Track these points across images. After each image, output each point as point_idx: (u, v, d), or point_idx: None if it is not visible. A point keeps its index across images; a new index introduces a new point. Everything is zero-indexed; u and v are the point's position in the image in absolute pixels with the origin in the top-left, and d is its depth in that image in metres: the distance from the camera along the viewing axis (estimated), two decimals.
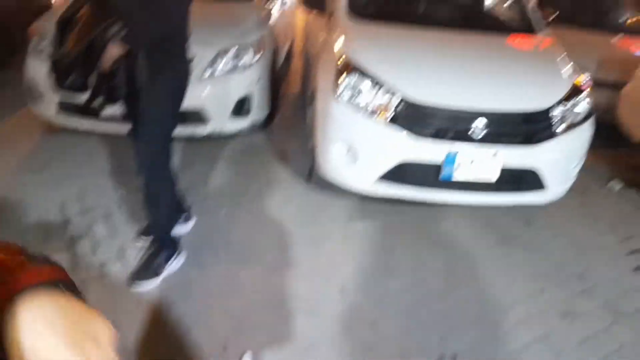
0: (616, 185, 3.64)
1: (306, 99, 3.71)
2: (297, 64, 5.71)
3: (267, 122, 4.02)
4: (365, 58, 2.79)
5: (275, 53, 4.11)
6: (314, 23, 4.13)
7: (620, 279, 2.65)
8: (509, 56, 3.06)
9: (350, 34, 3.06)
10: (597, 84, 4.39)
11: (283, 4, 5.04)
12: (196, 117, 3.46)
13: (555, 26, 3.90)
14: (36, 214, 2.75)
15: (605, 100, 4.05)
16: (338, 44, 3.00)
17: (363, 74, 2.71)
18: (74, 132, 3.48)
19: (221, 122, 3.57)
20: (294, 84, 5.24)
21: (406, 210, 3.04)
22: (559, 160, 2.73)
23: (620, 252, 2.87)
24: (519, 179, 2.70)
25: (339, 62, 2.85)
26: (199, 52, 3.37)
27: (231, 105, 3.56)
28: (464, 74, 2.76)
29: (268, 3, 4.30)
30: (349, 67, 2.76)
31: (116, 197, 2.95)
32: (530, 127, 2.66)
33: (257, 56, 3.60)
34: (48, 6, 4.83)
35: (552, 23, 3.58)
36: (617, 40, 4.92)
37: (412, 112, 2.62)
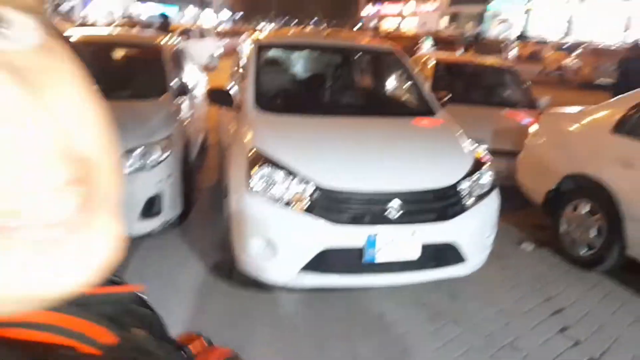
0: (528, 247, 3.83)
1: (222, 191, 3.60)
2: (213, 154, 5.66)
3: (182, 218, 3.83)
4: (276, 149, 2.78)
5: (187, 147, 4.03)
6: (225, 115, 4.14)
7: (549, 342, 2.67)
8: (413, 138, 3.22)
9: (259, 127, 3.07)
10: (494, 153, 4.80)
11: (193, 97, 5.06)
12: None
13: (450, 106, 4.23)
14: None
15: (505, 167, 4.38)
16: (248, 137, 2.99)
17: (275, 165, 2.69)
18: None
19: (129, 224, 3.33)
20: (211, 175, 5.14)
21: (335, 298, 2.93)
22: (474, 231, 2.81)
23: (544, 314, 2.93)
24: (440, 254, 2.73)
25: (249, 155, 2.82)
26: None
27: (139, 205, 3.36)
28: (374, 158, 2.84)
29: (177, 99, 4.28)
30: (260, 159, 2.73)
31: None
32: (443, 203, 2.74)
33: (166, 154, 3.48)
34: None
35: (446, 103, 3.86)
36: (505, 113, 5.46)
37: (328, 200, 2.60)
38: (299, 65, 5.07)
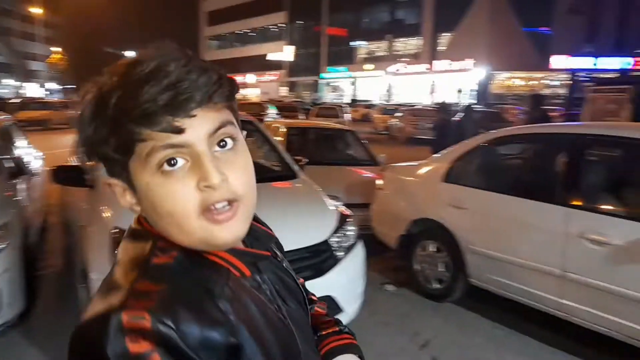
0: (391, 288, 4.18)
1: (76, 277, 3.23)
2: (54, 236, 5.04)
3: (24, 315, 3.30)
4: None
5: (26, 233, 3.56)
6: (73, 194, 3.78)
7: None
8: (281, 200, 3.35)
9: (116, 203, 2.87)
10: (349, 206, 5.23)
11: (30, 175, 4.53)
12: None
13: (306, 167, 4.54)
14: None
15: (360, 218, 4.78)
16: (107, 216, 2.79)
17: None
18: None
19: None
20: (55, 259, 4.56)
21: None
22: (348, 283, 2.99)
23: (414, 349, 3.21)
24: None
25: (112, 234, 2.62)
26: None
27: None
28: None
29: (12, 180, 3.78)
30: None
31: None
32: (318, 259, 2.88)
33: (1, 245, 3.03)
34: None
35: (303, 166, 4.16)
36: (352, 170, 6.03)
37: None
38: None
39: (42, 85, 56.89)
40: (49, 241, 5.05)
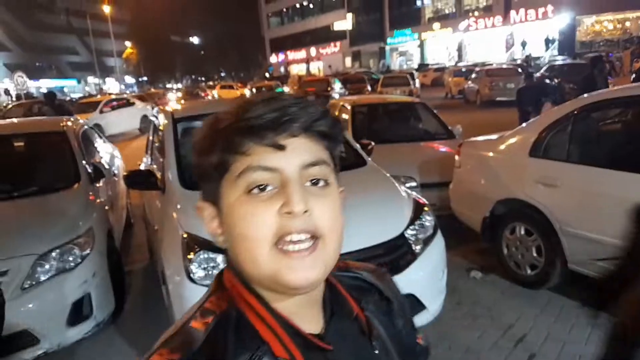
0: (477, 274, 3.88)
1: (159, 276, 3.31)
2: (139, 230, 5.26)
3: (116, 313, 3.46)
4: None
5: (110, 235, 3.70)
6: (149, 194, 3.87)
7: None
8: (352, 193, 3.16)
9: (188, 209, 2.81)
10: (424, 187, 4.94)
11: (111, 175, 4.73)
12: (22, 340, 2.81)
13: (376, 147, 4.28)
14: None
15: (437, 198, 4.49)
16: (178, 221, 2.78)
17: (213, 248, 2.49)
18: None
19: (57, 335, 2.95)
20: (141, 254, 4.76)
21: None
22: (428, 277, 2.78)
23: (509, 345, 2.93)
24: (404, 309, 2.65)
25: (183, 240, 2.61)
26: (10, 264, 2.85)
27: (65, 312, 2.99)
28: None
29: (93, 184, 3.94)
30: (195, 245, 2.53)
31: None
32: (394, 255, 2.69)
33: (87, 250, 3.15)
34: None
35: (372, 150, 3.93)
36: (426, 146, 5.68)
37: None
38: None
39: (118, 80, 60.69)
40: (135, 235, 5.29)
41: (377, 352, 0.67)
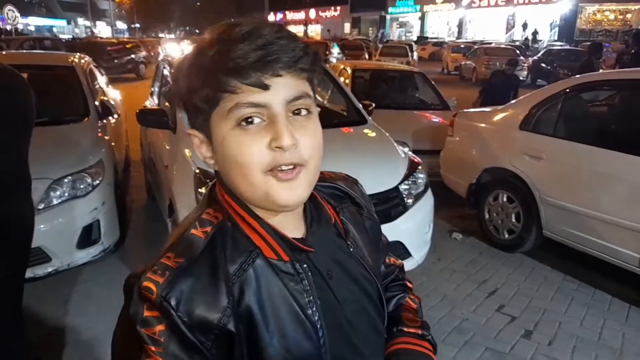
0: (458, 236, 4.18)
1: (164, 211, 3.51)
2: (136, 172, 5.43)
3: (119, 243, 3.67)
4: None
5: (116, 170, 3.87)
6: (155, 134, 4.02)
7: (490, 321, 2.96)
8: (352, 146, 3.38)
9: None
10: (416, 153, 5.15)
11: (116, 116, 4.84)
12: (36, 257, 3.01)
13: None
14: None
15: (427, 165, 4.71)
16: (190, 158, 2.96)
17: None
18: None
19: (67, 256, 3.16)
20: (139, 194, 4.94)
21: None
22: (416, 229, 3.04)
23: (481, 296, 3.24)
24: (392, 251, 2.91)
25: (195, 175, 2.80)
26: None
27: (76, 235, 3.19)
28: (323, 166, 2.94)
29: (102, 120, 4.08)
30: (206, 179, 2.73)
31: None
32: (388, 205, 2.93)
33: (98, 180, 3.33)
34: None
35: (372, 111, 4.11)
36: (421, 115, 5.88)
37: None
38: None
39: (110, 24, 58.82)
40: (132, 177, 5.45)
41: (351, 249, 0.78)
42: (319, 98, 4.95)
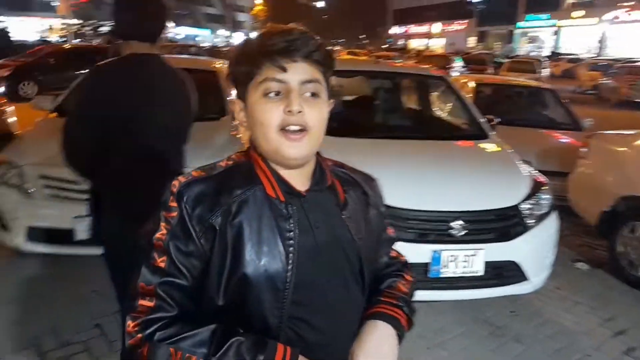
0: (583, 266, 3.84)
1: None
2: None
3: None
4: None
5: None
6: None
7: None
8: (471, 160, 3.32)
9: (318, 149, 3.21)
10: (542, 173, 4.82)
11: None
12: None
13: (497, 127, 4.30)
14: (7, 354, 2.47)
15: (555, 187, 4.40)
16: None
17: None
18: (43, 256, 3.28)
19: None
20: None
21: None
22: (535, 251, 2.87)
23: (607, 334, 2.95)
24: (502, 273, 2.81)
25: None
26: None
27: None
28: (436, 179, 2.95)
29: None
30: None
31: (94, 328, 2.73)
32: (505, 223, 2.83)
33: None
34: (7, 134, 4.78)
35: (495, 126, 3.98)
36: (549, 134, 5.51)
37: (392, 218, 2.69)
38: (350, 90, 5.24)
39: (246, 35, 63.57)
40: None
41: (344, 217, 0.95)
42: (439, 110, 4.97)
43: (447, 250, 2.68)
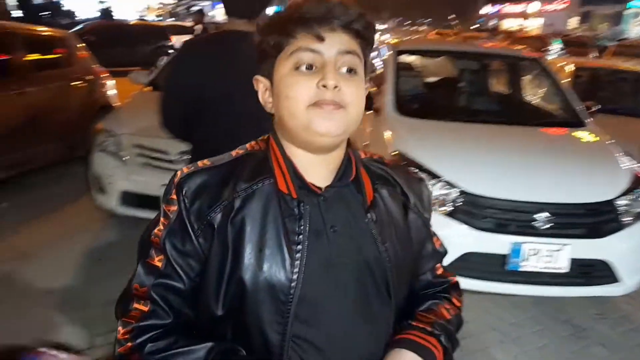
0: None
1: None
2: None
3: None
4: (418, 152, 2.83)
5: None
6: None
7: None
8: (563, 149, 3.08)
9: (400, 130, 3.16)
10: None
11: None
12: None
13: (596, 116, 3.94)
14: (100, 306, 2.73)
15: None
16: (388, 140, 3.09)
17: (418, 168, 2.74)
18: (134, 219, 3.57)
19: None
20: None
21: (469, 301, 2.91)
22: (631, 252, 2.63)
23: None
24: (590, 271, 2.61)
25: (392, 154, 2.92)
26: None
27: None
28: (522, 167, 2.78)
29: None
30: (402, 162, 2.82)
31: None
32: (597, 219, 2.61)
33: None
34: (108, 106, 5.21)
35: (594, 114, 3.64)
36: None
37: (472, 205, 2.60)
38: (437, 70, 5.07)
39: None
40: None
41: (367, 221, 0.80)
42: (531, 94, 4.65)
43: (529, 243, 2.53)
